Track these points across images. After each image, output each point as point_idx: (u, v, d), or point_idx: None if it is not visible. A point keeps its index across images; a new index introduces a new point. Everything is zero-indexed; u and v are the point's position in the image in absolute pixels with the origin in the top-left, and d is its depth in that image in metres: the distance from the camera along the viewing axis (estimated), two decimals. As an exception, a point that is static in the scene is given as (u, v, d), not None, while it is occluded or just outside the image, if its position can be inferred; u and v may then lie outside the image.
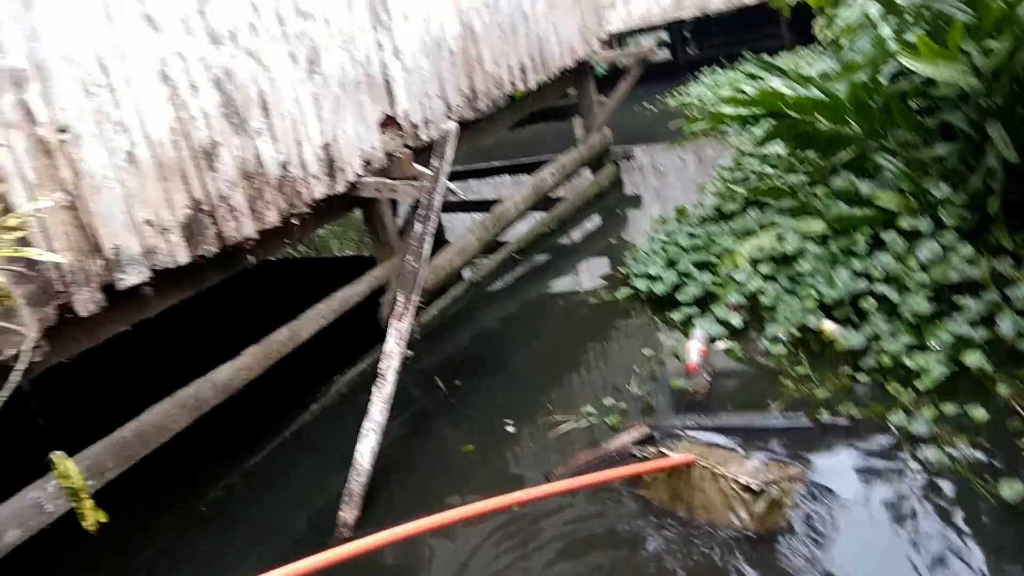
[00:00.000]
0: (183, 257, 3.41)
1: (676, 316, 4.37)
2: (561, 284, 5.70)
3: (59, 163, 2.92)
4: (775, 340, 3.84)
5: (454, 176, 4.54)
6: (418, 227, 4.09)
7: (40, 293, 2.89)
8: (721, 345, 3.98)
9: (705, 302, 4.39)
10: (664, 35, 13.91)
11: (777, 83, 4.78)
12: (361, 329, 4.81)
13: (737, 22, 12.67)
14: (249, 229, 3.73)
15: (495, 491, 3.34)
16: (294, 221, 4.05)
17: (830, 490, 2.84)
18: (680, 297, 4.47)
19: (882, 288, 3.74)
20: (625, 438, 3.42)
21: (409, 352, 3.92)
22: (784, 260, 4.30)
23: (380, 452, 3.54)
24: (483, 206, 7.61)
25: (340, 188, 4.29)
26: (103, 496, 2.98)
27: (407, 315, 3.92)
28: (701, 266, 4.65)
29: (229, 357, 3.79)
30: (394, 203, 5.28)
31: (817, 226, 4.28)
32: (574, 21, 6.88)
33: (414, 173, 4.62)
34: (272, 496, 3.74)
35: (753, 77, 5.33)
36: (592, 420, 3.66)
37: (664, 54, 13.33)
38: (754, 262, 4.37)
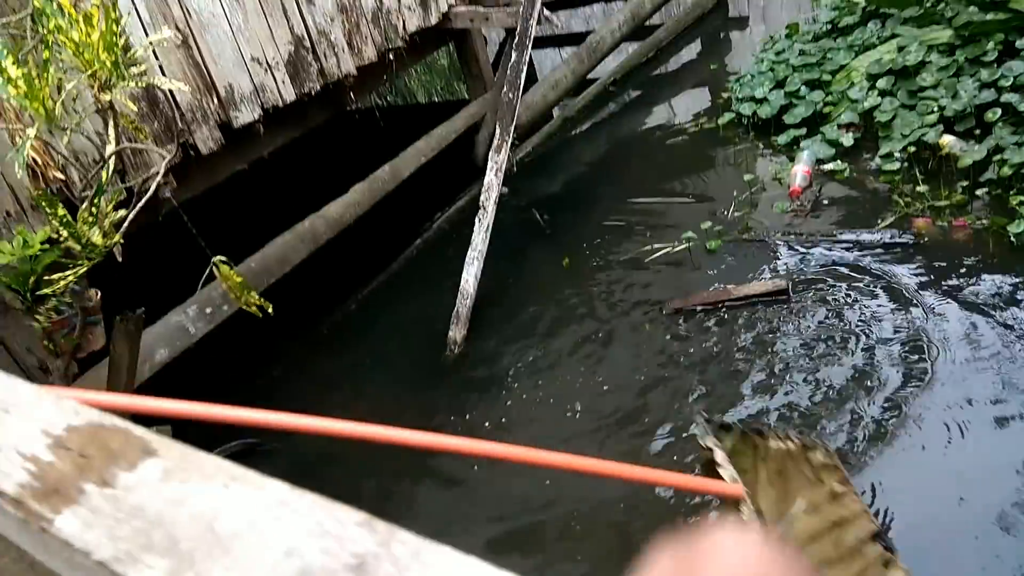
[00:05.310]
0: (289, 95, 3.53)
1: (781, 140, 4.22)
2: (658, 116, 5.53)
3: (170, 1, 3.02)
4: (889, 158, 3.68)
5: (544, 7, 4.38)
6: (513, 56, 4.03)
7: (165, 130, 3.10)
8: (828, 166, 3.84)
9: (814, 123, 4.20)
10: None
11: None
12: (458, 170, 4.89)
13: None
14: (348, 65, 3.79)
15: (585, 298, 3.50)
16: (390, 56, 4.06)
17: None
18: (787, 119, 4.29)
19: (1010, 97, 3.46)
20: (757, 287, 3.22)
21: (505, 188, 4.00)
22: (904, 73, 4.00)
23: (482, 280, 3.71)
24: (576, 39, 7.33)
25: (433, 19, 4.24)
26: (227, 324, 3.28)
27: (504, 146, 3.96)
28: (812, 85, 4.41)
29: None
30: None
31: (943, 34, 3.94)
32: None
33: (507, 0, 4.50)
34: (386, 321, 4.02)
35: None
36: (691, 245, 3.68)
37: None
38: (871, 77, 4.10)
